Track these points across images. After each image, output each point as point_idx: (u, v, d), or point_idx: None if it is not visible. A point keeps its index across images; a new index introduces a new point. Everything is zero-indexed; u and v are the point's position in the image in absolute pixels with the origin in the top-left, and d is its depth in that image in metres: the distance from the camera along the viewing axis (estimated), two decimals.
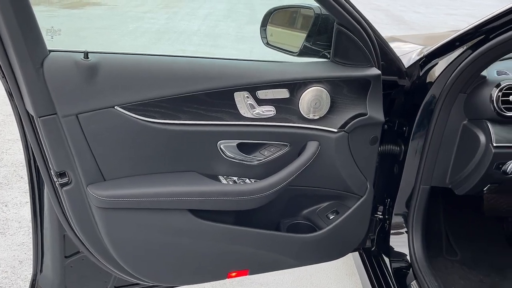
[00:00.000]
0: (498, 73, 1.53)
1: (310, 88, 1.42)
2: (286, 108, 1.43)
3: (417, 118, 1.62)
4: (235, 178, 1.45)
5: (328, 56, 1.53)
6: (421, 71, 1.64)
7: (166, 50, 7.16)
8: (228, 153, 1.41)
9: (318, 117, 1.45)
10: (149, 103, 1.26)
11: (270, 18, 1.63)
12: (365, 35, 1.43)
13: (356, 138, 1.51)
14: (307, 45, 1.53)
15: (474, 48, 1.44)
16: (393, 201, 1.75)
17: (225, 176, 1.43)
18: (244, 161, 1.44)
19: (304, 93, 1.42)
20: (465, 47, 1.47)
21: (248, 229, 1.47)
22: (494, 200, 1.99)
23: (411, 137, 1.64)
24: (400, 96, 1.68)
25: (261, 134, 1.42)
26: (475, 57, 1.43)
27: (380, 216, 1.80)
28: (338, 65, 1.47)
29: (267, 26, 1.64)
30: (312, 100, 1.42)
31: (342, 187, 1.59)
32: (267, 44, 1.66)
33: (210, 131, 1.36)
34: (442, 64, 1.56)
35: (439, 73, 1.56)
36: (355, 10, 1.40)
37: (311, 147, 1.46)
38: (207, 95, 1.33)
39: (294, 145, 1.47)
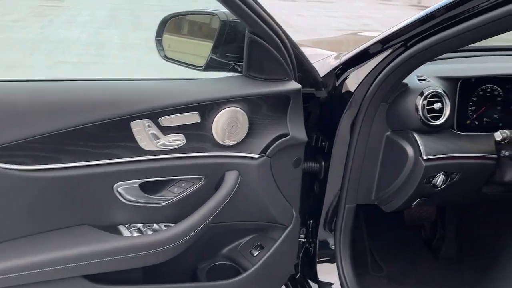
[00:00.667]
0: (420, 80, 1.43)
1: (224, 110, 1.19)
2: (198, 135, 1.19)
3: (337, 132, 1.47)
4: (139, 226, 1.17)
5: (239, 70, 1.32)
6: (337, 80, 1.50)
7: (43, 62, 6.47)
8: (128, 197, 1.14)
9: (235, 142, 1.23)
10: (15, 145, 0.94)
11: (166, 26, 1.38)
12: (281, 44, 1.24)
13: (278, 162, 1.31)
14: (214, 57, 1.30)
15: (394, 55, 1.32)
16: (316, 223, 1.59)
17: (127, 226, 1.15)
18: (149, 203, 1.18)
19: (217, 116, 1.19)
20: (385, 54, 1.34)
21: (160, 286, 1.20)
22: (414, 209, 1.92)
23: (332, 153, 1.49)
24: (316, 109, 1.52)
25: (169, 168, 1.17)
26: (397, 64, 1.31)
27: (303, 240, 1.63)
28: (253, 80, 1.26)
29: (163, 36, 1.39)
30: (227, 123, 1.20)
31: (266, 218, 1.39)
32: (165, 57, 1.40)
33: (103, 173, 1.08)
34: (360, 72, 1.43)
35: (358, 82, 1.42)
36: (268, 16, 1.20)
37: (230, 178, 1.23)
38: (96, 128, 1.05)
39: (210, 177, 1.23)
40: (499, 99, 1.46)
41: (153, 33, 1.38)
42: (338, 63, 1.50)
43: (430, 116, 1.37)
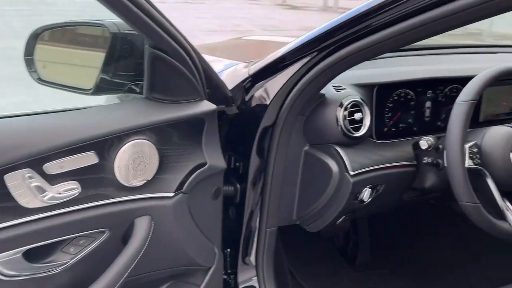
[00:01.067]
0: (336, 89, 1.33)
1: (127, 144, 0.96)
2: (97, 179, 0.94)
3: (252, 151, 1.31)
4: None
5: (138, 91, 1.09)
6: (246, 94, 1.34)
7: None
8: (8, 272, 0.86)
9: (144, 181, 1.01)
10: None
11: (38, 41, 1.09)
12: (188, 58, 1.04)
13: (196, 196, 1.12)
14: (106, 77, 1.06)
15: (311, 64, 1.19)
16: (235, 252, 1.42)
17: None
18: (38, 273, 0.91)
19: (119, 153, 0.96)
20: (301, 64, 1.21)
21: None
22: None
23: (248, 174, 1.33)
24: (226, 127, 1.35)
25: (62, 227, 0.91)
26: (316, 74, 1.18)
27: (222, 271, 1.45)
28: (159, 104, 1.04)
29: (36, 54, 1.10)
30: (132, 160, 0.97)
31: (185, 262, 1.18)
32: (40, 80, 1.12)
33: None
34: (273, 84, 1.28)
35: (271, 95, 1.28)
36: (171, 25, 0.99)
37: (141, 227, 1.01)
38: None
39: (115, 228, 1.00)
40: (412, 103, 1.42)
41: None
42: (247, 75, 1.34)
43: (352, 127, 1.28)
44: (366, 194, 1.32)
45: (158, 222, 1.04)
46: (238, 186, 1.34)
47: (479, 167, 1.19)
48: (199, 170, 1.09)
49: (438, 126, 1.47)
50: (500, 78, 1.22)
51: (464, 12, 0.86)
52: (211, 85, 1.19)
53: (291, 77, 1.23)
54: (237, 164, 1.35)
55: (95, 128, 0.92)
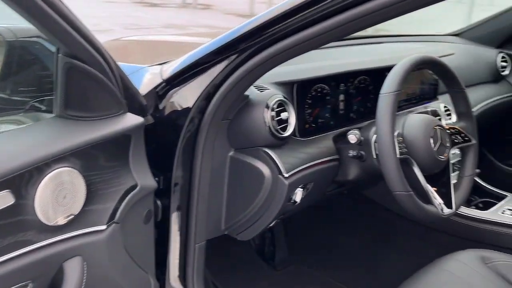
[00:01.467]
0: (259, 89, 1.27)
1: (49, 175, 0.79)
2: (15, 223, 0.76)
3: (175, 162, 1.20)
4: None
5: (44, 108, 0.91)
6: (160, 101, 1.22)
7: None
8: None
9: (71, 217, 0.84)
10: None
11: None
12: (107, 67, 0.89)
13: (129, 224, 0.97)
14: (3, 96, 0.86)
15: (234, 64, 1.11)
16: (161, 273, 1.30)
17: None
18: None
19: (39, 187, 0.78)
20: (222, 67, 1.12)
21: None
22: None
23: (171, 188, 1.21)
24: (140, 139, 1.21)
25: None
26: (241, 75, 1.10)
27: None
28: (79, 122, 0.88)
29: None
30: (56, 194, 0.80)
31: None
32: None
33: None
34: (193, 89, 1.17)
35: (193, 101, 1.17)
36: (87, 29, 0.84)
37: (72, 271, 0.85)
38: None
39: (40, 278, 0.82)
40: (328, 98, 1.42)
41: None
42: (160, 80, 1.21)
43: (279, 128, 1.23)
44: (298, 194, 1.28)
45: (91, 261, 0.88)
46: (159, 203, 1.21)
47: (406, 155, 1.22)
48: (130, 194, 0.95)
49: (351, 118, 1.50)
50: (416, 67, 1.26)
51: (379, 11, 0.85)
52: (128, 95, 1.05)
53: (212, 80, 1.13)
54: (157, 179, 1.22)
55: (5, 162, 0.74)
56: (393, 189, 1.17)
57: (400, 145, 1.21)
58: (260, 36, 1.04)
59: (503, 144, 2.42)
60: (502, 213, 1.55)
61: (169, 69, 1.21)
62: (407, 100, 1.68)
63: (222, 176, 1.29)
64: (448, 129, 1.35)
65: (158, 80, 1.21)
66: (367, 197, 1.79)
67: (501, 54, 2.29)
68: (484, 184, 1.78)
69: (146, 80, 1.24)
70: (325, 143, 1.38)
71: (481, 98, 2.07)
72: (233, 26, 1.09)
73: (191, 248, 1.27)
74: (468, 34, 2.36)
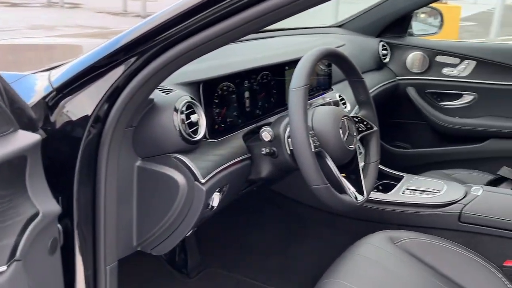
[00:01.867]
0: (164, 92, 1.17)
1: None
2: None
3: (75, 179, 1.07)
4: None
5: None
6: (52, 113, 1.08)
7: None
8: None
9: None
10: None
11: None
12: None
13: (33, 259, 0.84)
14: None
15: (134, 69, 1.01)
16: None
17: None
18: None
19: None
20: (121, 70, 1.02)
21: None
22: None
23: (73, 208, 1.08)
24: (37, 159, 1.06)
25: None
26: (143, 80, 1.00)
27: None
28: None
29: None
30: None
31: None
32: None
33: None
34: (90, 96, 1.05)
35: (91, 109, 1.05)
36: None
37: None
38: None
39: None
40: (234, 96, 1.37)
41: None
42: (50, 89, 1.07)
43: (191, 131, 1.15)
44: (215, 199, 1.23)
45: None
46: (59, 227, 1.08)
47: (319, 148, 1.22)
48: (32, 224, 0.82)
49: (257, 115, 1.47)
50: (320, 60, 1.26)
51: (278, 10, 0.85)
52: (14, 109, 0.90)
53: (112, 85, 1.03)
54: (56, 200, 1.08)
55: None
56: (310, 183, 1.16)
57: (312, 138, 1.20)
58: (161, 37, 0.96)
59: (389, 127, 2.59)
60: (403, 193, 1.64)
61: (59, 76, 1.07)
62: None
63: (130, 189, 1.18)
64: (353, 119, 1.39)
65: (47, 89, 1.06)
66: (275, 191, 1.79)
67: (382, 43, 2.44)
68: (381, 167, 1.87)
69: (31, 89, 1.09)
70: (236, 142, 1.34)
71: (369, 86, 2.19)
72: (109, 26, 1.01)
73: (102, 271, 1.15)
74: (350, 25, 2.47)
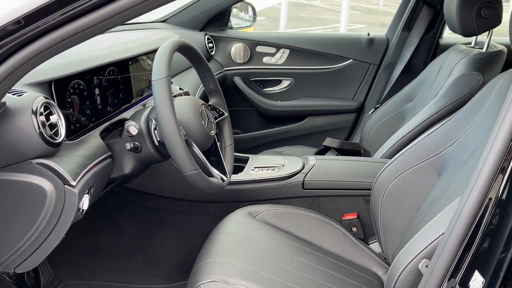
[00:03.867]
0: (14, 94, 1.05)
1: None
2: None
3: None
4: None
5: None
6: None
7: None
8: None
9: None
10: None
11: None
12: None
13: None
14: None
15: None
16: None
17: None
18: None
19: None
20: None
21: None
22: None
23: None
24: None
25: None
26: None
27: None
28: None
29: None
30: None
31: None
32: None
33: None
34: None
35: None
36: None
37: None
38: None
39: None
40: (85, 94, 1.32)
41: None
42: None
43: (52, 133, 1.09)
44: (85, 201, 1.18)
45: None
46: None
47: (186, 137, 1.27)
48: None
49: (108, 112, 1.44)
50: (176, 51, 1.29)
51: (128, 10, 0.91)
52: None
53: None
54: None
55: None
56: (184, 170, 1.20)
57: (179, 128, 1.24)
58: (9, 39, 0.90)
59: None
60: (252, 171, 1.78)
61: None
62: (149, 87, 1.71)
63: None
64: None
65: None
66: (129, 188, 1.76)
67: (207, 36, 2.55)
68: None
69: None
70: (94, 141, 1.29)
71: (199, 81, 2.28)
72: None
73: None
74: (173, 19, 2.52)
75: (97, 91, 1.38)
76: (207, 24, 2.58)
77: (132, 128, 1.26)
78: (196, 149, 1.29)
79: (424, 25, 2.50)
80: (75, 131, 1.26)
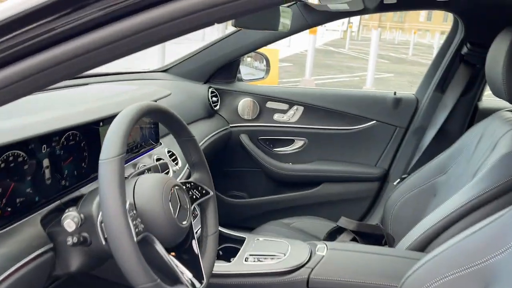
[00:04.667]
0: None
1: None
2: None
3: None
4: None
5: None
6: None
7: None
8: None
9: None
10: None
11: None
12: None
13: None
14: None
15: None
16: None
17: None
18: None
19: None
20: None
21: None
22: None
23: None
24: None
25: None
26: None
27: None
28: None
29: None
30: None
31: None
32: None
33: None
34: None
35: None
36: None
37: None
38: None
39: None
40: (26, 167, 1.03)
41: None
42: None
43: None
44: None
45: None
46: None
47: (144, 233, 0.96)
48: None
49: (63, 187, 1.15)
50: (140, 118, 1.01)
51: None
52: None
53: None
54: None
55: None
56: (136, 283, 0.89)
57: (135, 221, 0.93)
58: None
59: (223, 177, 2.43)
60: (246, 260, 1.45)
61: None
62: (128, 151, 1.42)
63: None
64: (185, 186, 1.16)
65: None
66: (92, 274, 1.45)
67: (211, 89, 2.29)
68: (221, 229, 1.67)
69: None
70: (29, 231, 0.99)
71: (200, 137, 2.00)
72: None
73: None
74: (176, 69, 2.27)
75: (46, 162, 1.10)
76: (213, 76, 2.32)
77: (69, 222, 0.95)
78: (158, 247, 0.98)
79: (461, 86, 2.17)
80: (4, 217, 0.96)
